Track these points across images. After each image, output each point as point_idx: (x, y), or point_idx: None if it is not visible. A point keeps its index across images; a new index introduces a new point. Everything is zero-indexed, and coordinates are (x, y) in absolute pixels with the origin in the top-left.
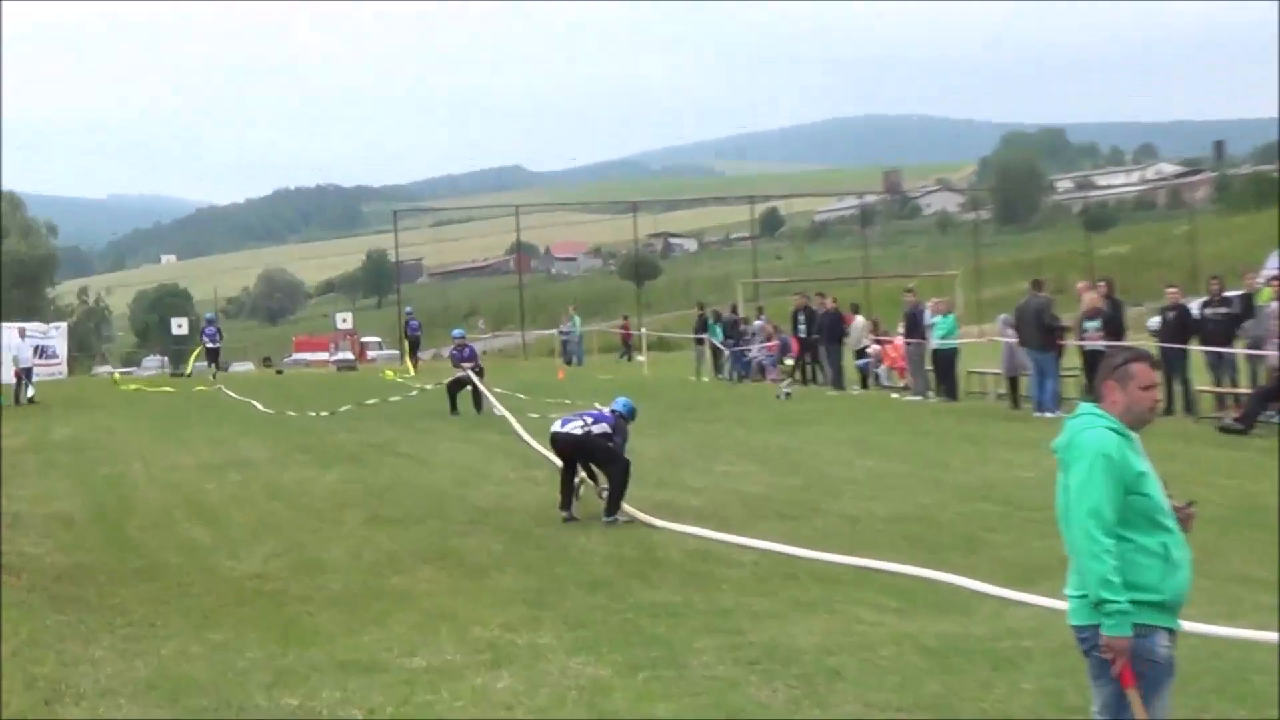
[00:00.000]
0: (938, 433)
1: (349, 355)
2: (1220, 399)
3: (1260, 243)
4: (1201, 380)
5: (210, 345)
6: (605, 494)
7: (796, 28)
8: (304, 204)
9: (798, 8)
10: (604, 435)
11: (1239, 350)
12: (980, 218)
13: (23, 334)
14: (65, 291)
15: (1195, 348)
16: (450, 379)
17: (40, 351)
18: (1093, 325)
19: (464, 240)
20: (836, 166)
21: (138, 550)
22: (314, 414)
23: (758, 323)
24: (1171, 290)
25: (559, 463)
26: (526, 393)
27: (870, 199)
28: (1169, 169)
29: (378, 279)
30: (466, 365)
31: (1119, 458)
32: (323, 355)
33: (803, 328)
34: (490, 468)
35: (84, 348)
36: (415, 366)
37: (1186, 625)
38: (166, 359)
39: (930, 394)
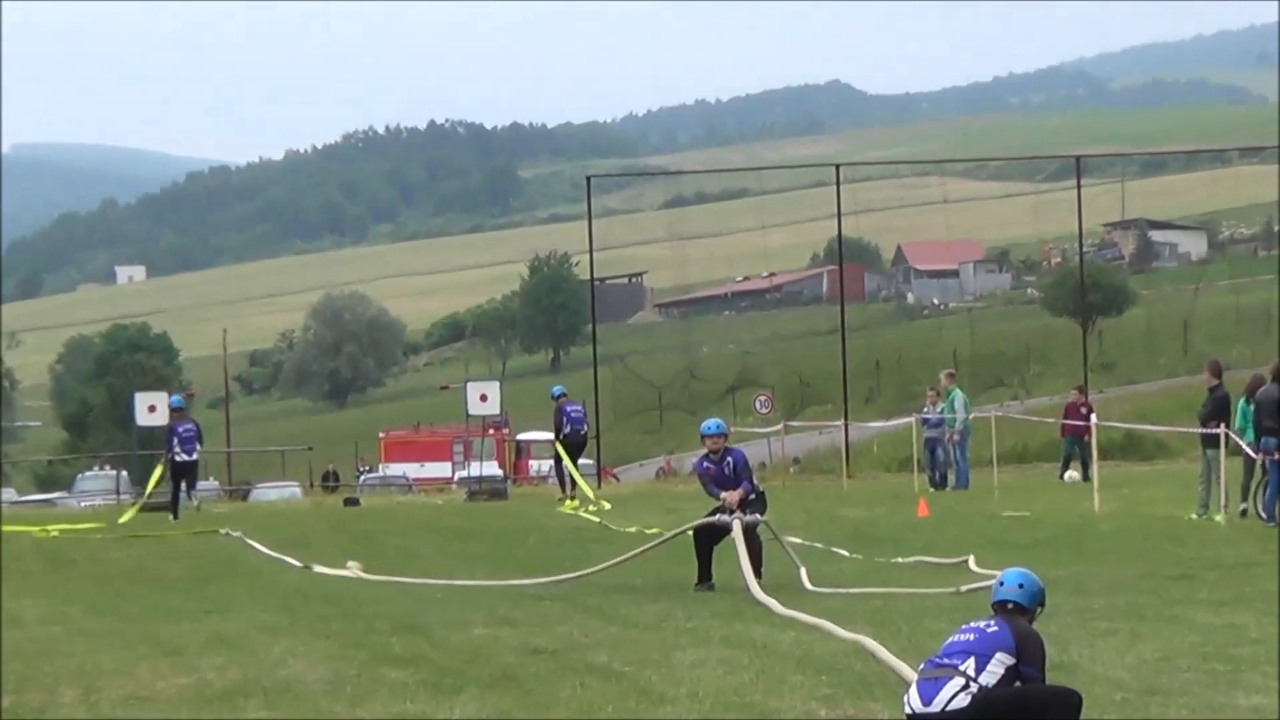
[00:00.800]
0: None
1: (493, 468)
2: None
3: None
4: None
5: (183, 457)
6: None
7: None
8: (398, 160)
9: None
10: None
11: None
12: None
13: None
14: None
15: None
16: (701, 520)
17: None
18: None
19: (726, 235)
20: None
21: None
22: (432, 583)
23: None
24: None
25: None
26: (851, 546)
27: None
28: None
29: (550, 313)
30: (731, 500)
31: None
32: (440, 469)
33: None
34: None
35: None
36: (587, 486)
37: None
38: (123, 474)
39: None
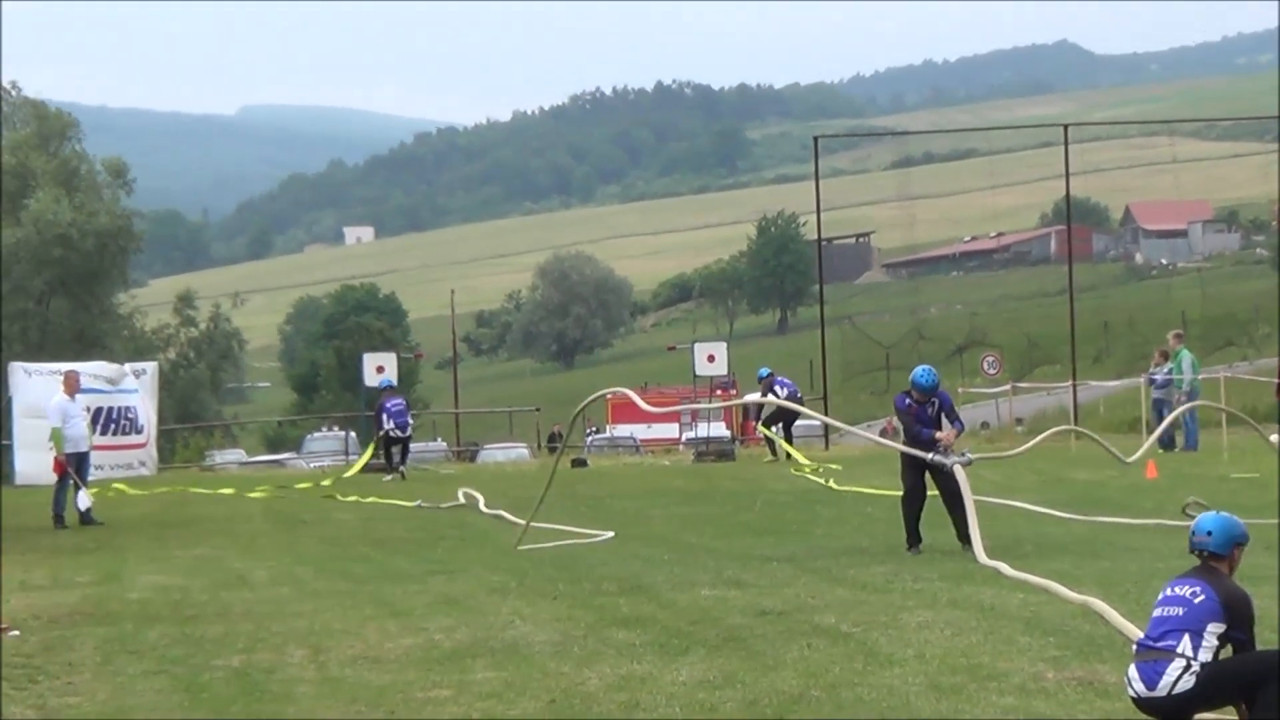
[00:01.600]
0: None
1: (720, 429)
2: None
3: None
4: None
5: (397, 433)
6: None
7: None
8: (626, 121)
9: None
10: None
11: None
12: None
13: (73, 385)
14: (147, 300)
15: None
16: (910, 483)
17: (104, 418)
18: None
19: (954, 196)
20: None
21: None
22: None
23: None
24: None
25: None
26: (1074, 507)
27: None
28: None
29: (778, 274)
30: (948, 439)
31: None
32: (668, 430)
33: None
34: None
35: (189, 412)
36: (791, 446)
37: None
38: (352, 434)
39: None
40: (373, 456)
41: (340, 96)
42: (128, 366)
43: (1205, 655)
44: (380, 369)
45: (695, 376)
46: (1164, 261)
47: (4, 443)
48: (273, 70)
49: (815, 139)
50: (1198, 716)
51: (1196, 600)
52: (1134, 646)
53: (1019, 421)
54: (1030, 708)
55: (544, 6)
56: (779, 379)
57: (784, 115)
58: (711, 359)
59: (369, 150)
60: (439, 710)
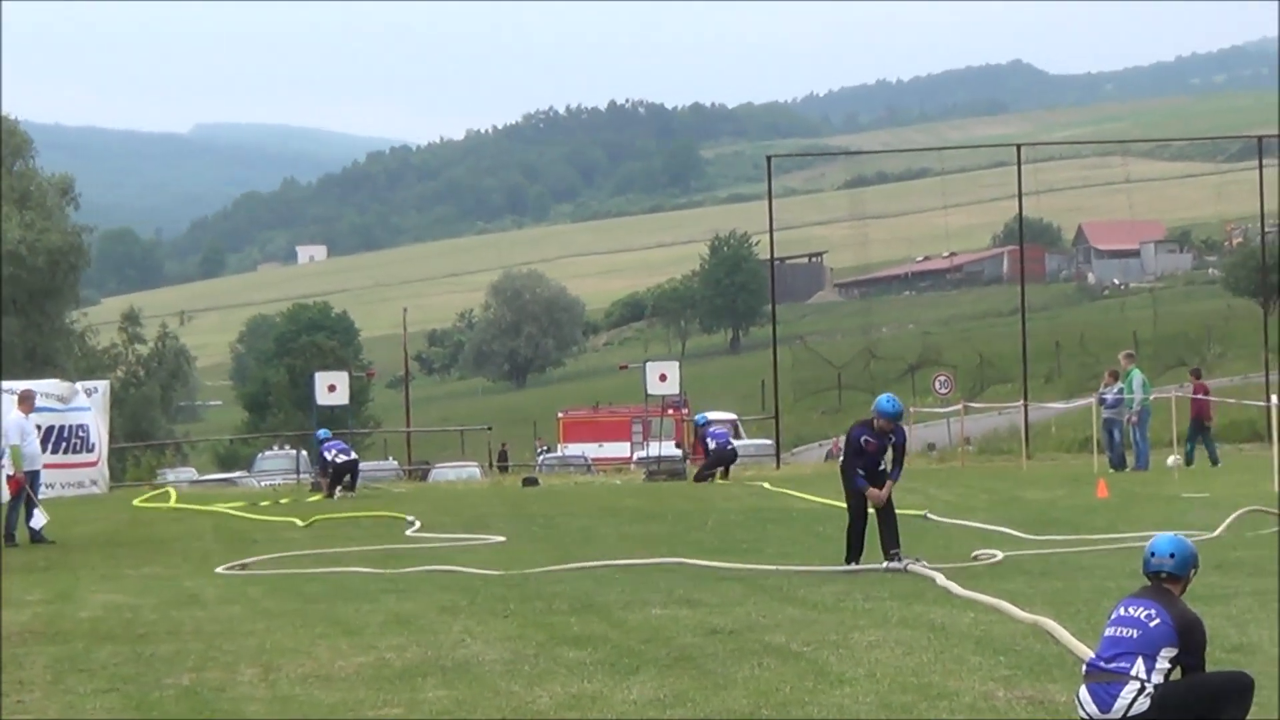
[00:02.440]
0: None
1: (672, 448)
2: None
3: None
4: None
5: (342, 457)
6: None
7: None
8: (579, 140)
9: None
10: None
11: None
12: None
13: (29, 403)
14: (100, 318)
15: None
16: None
17: (56, 436)
18: None
19: (907, 215)
20: None
21: None
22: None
23: None
24: None
25: None
26: (1027, 527)
27: None
28: None
29: (730, 293)
30: (879, 499)
31: None
32: (619, 449)
33: None
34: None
35: (140, 430)
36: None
37: None
38: (303, 453)
39: None
40: (327, 495)
41: (294, 115)
42: (79, 385)
43: (1157, 679)
44: (332, 388)
45: (647, 396)
46: (1116, 281)
47: None
48: (227, 88)
49: (769, 158)
50: None
51: (1152, 624)
52: (1084, 667)
53: (968, 441)
54: None
55: (497, 25)
56: (711, 430)
57: (737, 134)
58: (663, 378)
59: (322, 169)
60: None
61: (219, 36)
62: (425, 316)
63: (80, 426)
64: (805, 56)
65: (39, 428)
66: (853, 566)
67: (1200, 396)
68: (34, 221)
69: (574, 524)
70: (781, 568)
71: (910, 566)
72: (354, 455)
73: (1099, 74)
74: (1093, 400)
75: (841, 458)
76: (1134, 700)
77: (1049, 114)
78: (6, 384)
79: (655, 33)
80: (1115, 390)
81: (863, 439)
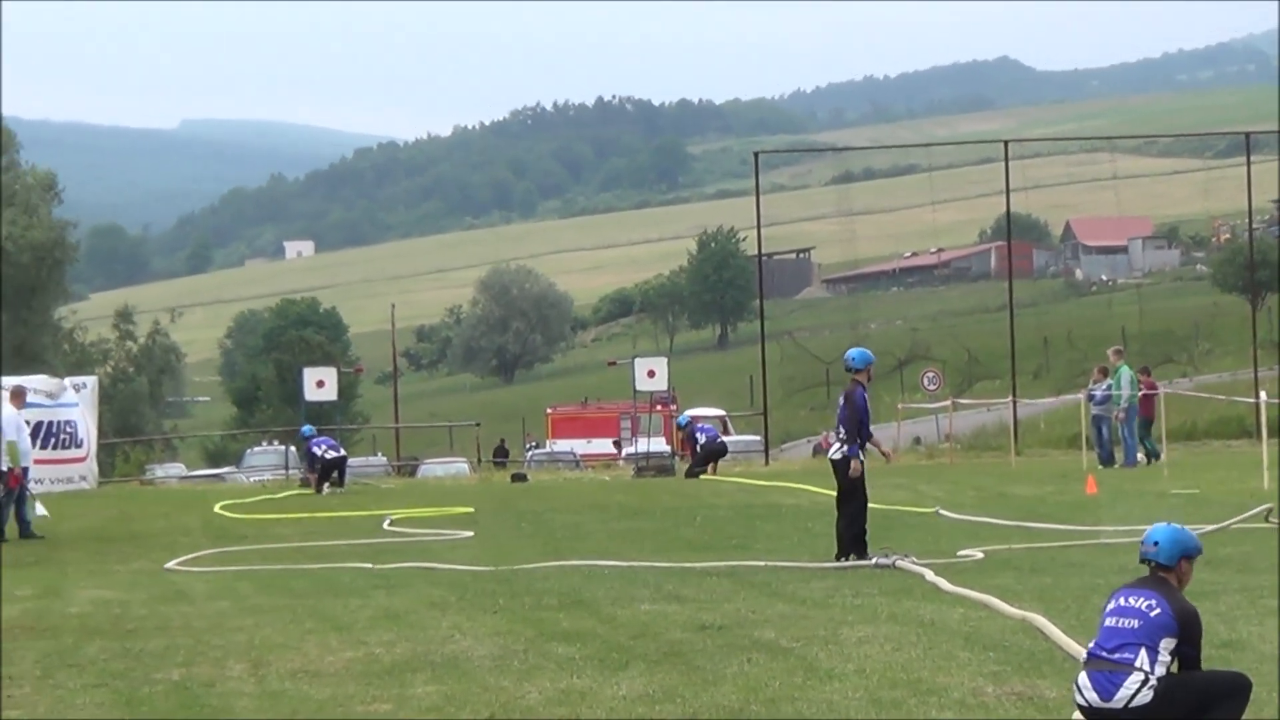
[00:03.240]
0: None
1: (660, 444)
2: None
3: None
4: None
5: (331, 453)
6: None
7: None
8: (566, 137)
9: None
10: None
11: None
12: None
13: (21, 399)
14: (88, 314)
15: None
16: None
17: (44, 432)
18: None
19: (894, 211)
20: None
21: None
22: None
23: None
24: None
25: None
26: (1014, 513)
27: None
28: None
29: (718, 289)
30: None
31: None
32: (607, 445)
33: None
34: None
35: (128, 426)
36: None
37: None
38: (291, 449)
39: None
40: (315, 491)
41: (281, 111)
42: (67, 380)
43: (1160, 670)
44: (320, 383)
45: (635, 392)
46: (1104, 278)
47: None
48: (214, 84)
49: (756, 154)
50: None
51: (1153, 614)
52: (1085, 654)
53: (948, 437)
54: None
55: (485, 21)
56: (699, 426)
57: (724, 131)
58: (652, 374)
59: (310, 165)
60: None
61: (206, 33)
62: (413, 312)
63: (68, 422)
64: (793, 53)
65: (27, 423)
66: (843, 563)
67: (1147, 393)
68: (17, 218)
69: (562, 520)
70: (817, 564)
71: (899, 562)
72: (342, 451)
73: (1086, 70)
74: (1081, 396)
75: (846, 430)
76: (1137, 691)
77: (1035, 110)
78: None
79: (643, 29)
80: (1104, 387)
81: (864, 396)
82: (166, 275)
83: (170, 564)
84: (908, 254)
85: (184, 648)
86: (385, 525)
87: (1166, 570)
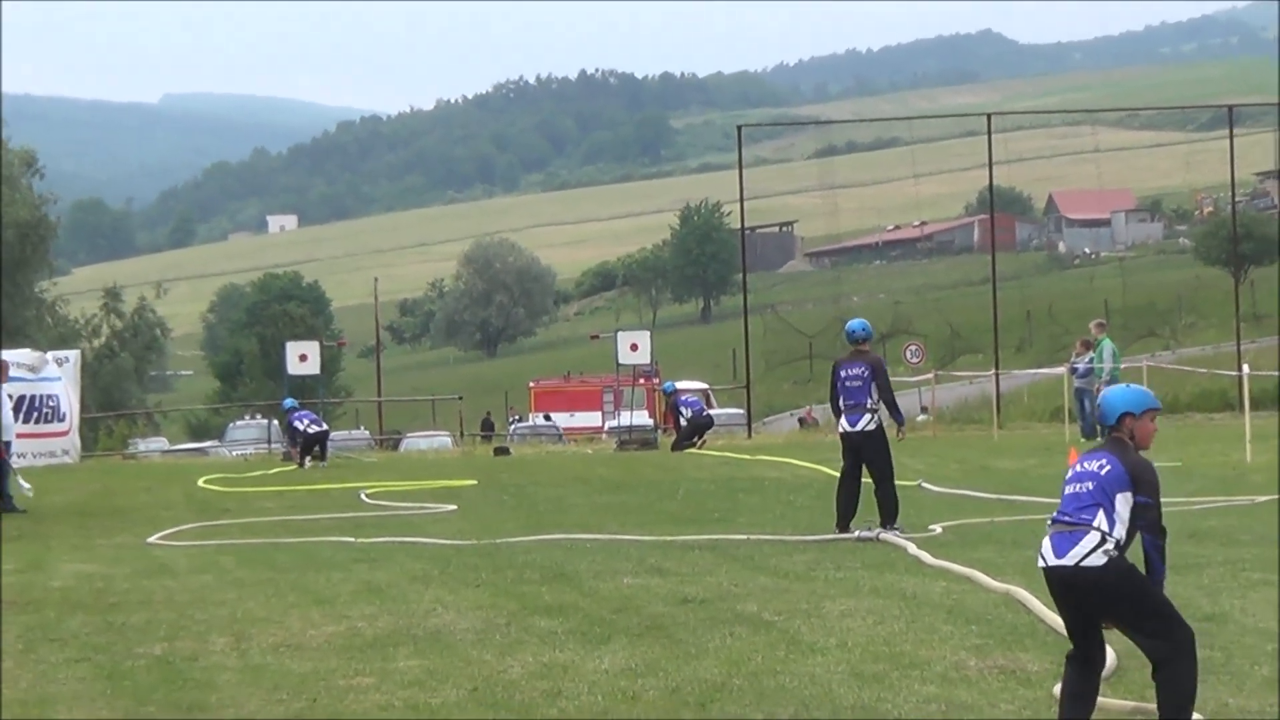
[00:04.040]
0: None
1: (643, 417)
2: None
3: None
4: None
5: (313, 428)
6: None
7: None
8: (549, 110)
9: None
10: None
11: None
12: None
13: (4, 373)
14: (70, 288)
15: None
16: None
17: (27, 406)
18: None
19: (877, 185)
20: None
21: None
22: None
23: None
24: None
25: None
26: (996, 486)
27: None
28: None
29: (701, 263)
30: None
31: None
32: (591, 418)
33: None
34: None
35: (112, 400)
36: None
37: None
38: (274, 423)
39: None
40: (298, 465)
41: (264, 85)
42: (49, 354)
43: (1119, 531)
44: (303, 357)
45: (618, 365)
46: (1087, 251)
47: None
48: (196, 58)
49: (739, 128)
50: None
51: (1104, 472)
52: (1049, 520)
53: (925, 410)
54: (952, 696)
55: None
56: (683, 398)
57: (707, 104)
58: (635, 348)
59: (292, 139)
60: (361, 698)
61: (188, 6)
62: (396, 286)
63: (51, 396)
64: (775, 27)
65: (10, 397)
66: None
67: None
68: None
69: (545, 493)
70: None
71: (882, 535)
72: (324, 425)
73: (1068, 43)
74: (1063, 369)
75: (885, 400)
76: (1092, 551)
77: (1018, 83)
78: None
79: (626, 2)
80: (1087, 359)
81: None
82: (150, 249)
83: (153, 538)
84: (890, 227)
85: (166, 622)
86: (362, 497)
87: (1116, 430)
